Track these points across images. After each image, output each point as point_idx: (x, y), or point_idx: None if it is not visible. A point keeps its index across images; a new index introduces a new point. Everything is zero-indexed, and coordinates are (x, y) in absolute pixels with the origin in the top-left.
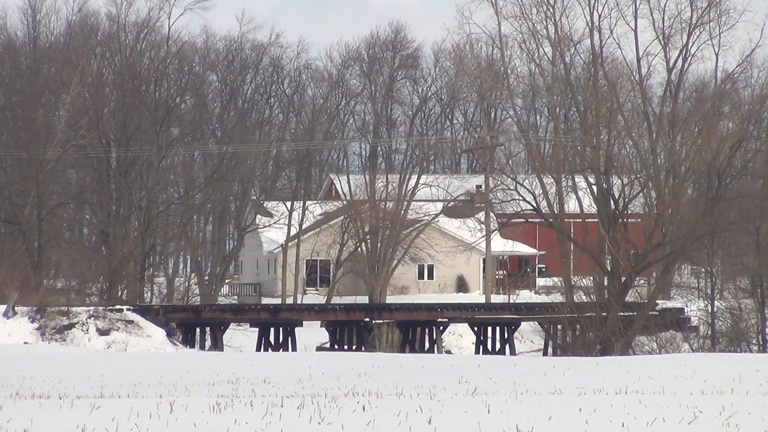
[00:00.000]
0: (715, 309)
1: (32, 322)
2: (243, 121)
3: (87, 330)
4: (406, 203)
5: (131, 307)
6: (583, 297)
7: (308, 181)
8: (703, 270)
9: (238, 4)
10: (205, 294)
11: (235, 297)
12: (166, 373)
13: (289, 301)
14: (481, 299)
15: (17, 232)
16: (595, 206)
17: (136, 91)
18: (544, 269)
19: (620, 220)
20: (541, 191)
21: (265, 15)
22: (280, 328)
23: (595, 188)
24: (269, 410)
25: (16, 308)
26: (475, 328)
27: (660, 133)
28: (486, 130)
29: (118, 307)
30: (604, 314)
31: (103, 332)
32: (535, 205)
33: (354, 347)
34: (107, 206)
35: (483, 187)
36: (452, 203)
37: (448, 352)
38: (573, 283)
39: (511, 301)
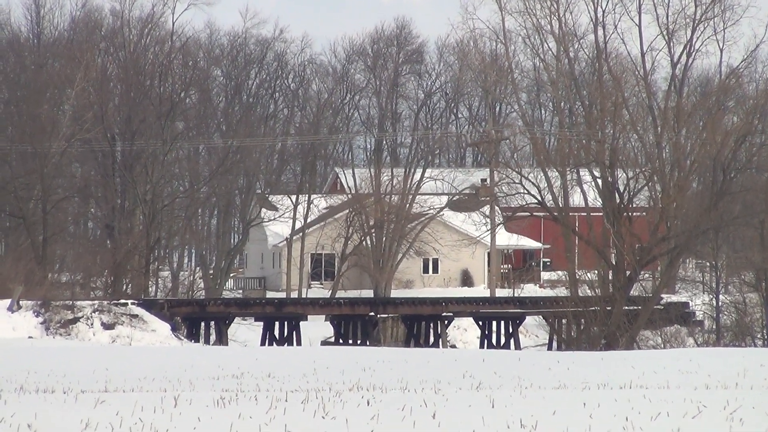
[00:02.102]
0: (720, 303)
1: (37, 316)
2: (248, 116)
3: (91, 324)
4: (411, 197)
5: (136, 301)
6: (588, 291)
7: (313, 174)
8: (708, 264)
9: None
10: (210, 288)
11: (240, 291)
12: (170, 368)
13: (294, 295)
14: (486, 293)
15: (22, 226)
16: (599, 200)
17: (140, 85)
18: (548, 263)
19: (625, 213)
20: (546, 185)
21: (269, 10)
22: (285, 323)
23: (599, 182)
24: (274, 405)
25: (20, 302)
26: (480, 323)
27: (665, 127)
28: (491, 124)
29: (122, 301)
30: (608, 308)
31: (107, 326)
32: (539, 198)
33: (359, 341)
34: (112, 200)
35: (488, 180)
36: (457, 197)
37: (453, 346)
38: (578, 277)
39: (516, 295)
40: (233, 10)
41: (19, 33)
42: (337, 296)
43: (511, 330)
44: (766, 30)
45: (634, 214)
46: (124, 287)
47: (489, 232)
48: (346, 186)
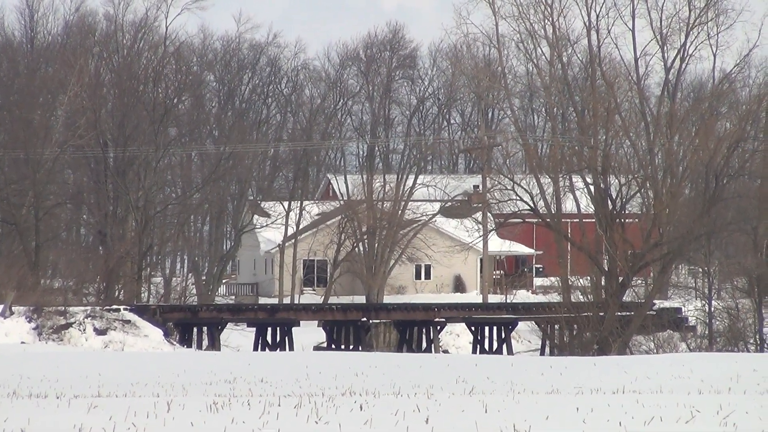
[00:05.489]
0: (713, 309)
1: (29, 321)
2: (240, 121)
3: (84, 330)
4: (403, 203)
5: (128, 307)
6: (581, 297)
7: (305, 181)
8: (701, 270)
9: (235, 3)
10: (203, 294)
11: (233, 297)
12: (163, 373)
13: (287, 300)
14: (479, 299)
15: (14, 232)
16: (592, 206)
17: (133, 91)
18: (541, 269)
19: (618, 220)
20: (538, 191)
21: (263, 15)
22: (278, 328)
23: (592, 188)
24: (266, 409)
25: (13, 308)
26: (473, 328)
27: (657, 133)
28: (483, 130)
29: (115, 306)
30: (601, 314)
31: (100, 332)
32: (532, 205)
33: (351, 347)
34: (104, 206)
35: (480, 187)
36: (449, 203)
37: (446, 351)
38: (570, 282)
39: (509, 300)
40: (227, 14)
41: (13, 37)
42: (329, 302)
43: (503, 335)
44: (759, 34)
45: (627, 220)
46: (117, 293)
47: (481, 238)
48: (338, 192)
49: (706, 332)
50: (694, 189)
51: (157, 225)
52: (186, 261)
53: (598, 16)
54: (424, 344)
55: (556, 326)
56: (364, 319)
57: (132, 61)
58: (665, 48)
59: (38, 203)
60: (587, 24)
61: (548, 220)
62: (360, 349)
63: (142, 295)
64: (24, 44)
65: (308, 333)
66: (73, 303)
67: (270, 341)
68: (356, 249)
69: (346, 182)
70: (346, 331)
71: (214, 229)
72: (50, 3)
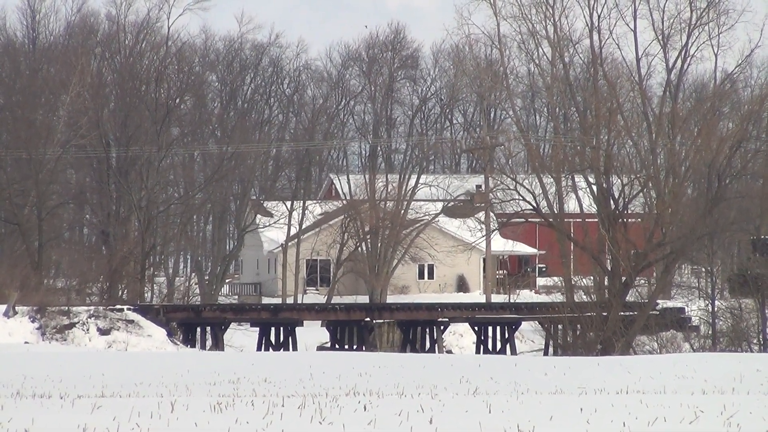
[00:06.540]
0: (716, 309)
1: (33, 321)
2: (243, 121)
3: (87, 330)
4: (406, 203)
5: (132, 307)
6: (584, 297)
7: (308, 181)
8: (704, 270)
9: (237, 4)
10: (206, 294)
11: (236, 297)
12: (166, 373)
13: (290, 300)
14: (482, 299)
15: (17, 232)
16: (595, 206)
17: (135, 91)
18: (544, 269)
19: (620, 219)
20: (540, 191)
21: (265, 15)
22: (281, 328)
23: (594, 188)
24: (270, 410)
25: (16, 308)
26: (476, 328)
27: (660, 133)
28: (485, 130)
29: (118, 306)
30: (604, 314)
31: (103, 332)
32: (534, 204)
33: (354, 347)
34: (107, 206)
35: (483, 186)
36: (452, 203)
37: (449, 351)
38: (573, 282)
39: (512, 300)
40: (229, 15)
41: (15, 38)
42: (332, 302)
43: (507, 335)
44: (761, 35)
45: (630, 220)
46: (120, 293)
47: (484, 238)
48: (341, 192)
49: (710, 332)
50: (697, 189)
51: (160, 225)
52: (189, 261)
53: (599, 17)
54: (428, 344)
55: (560, 326)
56: (368, 319)
57: (134, 61)
58: (667, 48)
59: (41, 203)
60: (589, 24)
61: (551, 219)
62: (363, 349)
63: (146, 294)
64: (26, 44)
65: (311, 333)
66: (76, 303)
67: (273, 341)
68: (359, 249)
69: (348, 182)
70: (350, 331)
71: (217, 228)
72: (52, 3)
